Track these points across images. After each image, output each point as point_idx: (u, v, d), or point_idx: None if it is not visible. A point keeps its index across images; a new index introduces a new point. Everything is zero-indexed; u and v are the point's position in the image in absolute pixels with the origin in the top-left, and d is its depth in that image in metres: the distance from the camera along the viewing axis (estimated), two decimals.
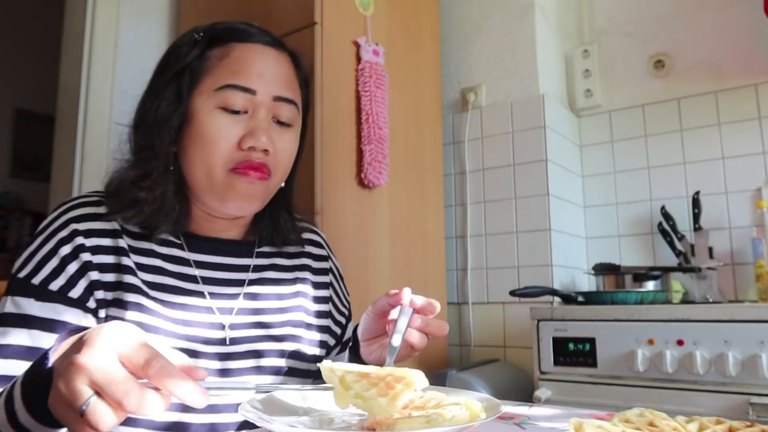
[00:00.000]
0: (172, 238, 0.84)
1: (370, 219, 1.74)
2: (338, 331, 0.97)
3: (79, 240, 0.77)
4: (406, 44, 1.96)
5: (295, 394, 0.67)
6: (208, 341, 0.80)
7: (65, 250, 0.76)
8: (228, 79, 0.80)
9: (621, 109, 2.15)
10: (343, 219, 1.64)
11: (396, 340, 0.71)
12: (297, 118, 0.87)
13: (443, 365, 2.01)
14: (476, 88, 2.16)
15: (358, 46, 1.74)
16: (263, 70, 0.82)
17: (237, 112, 0.80)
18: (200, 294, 0.82)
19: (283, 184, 0.90)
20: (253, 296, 0.87)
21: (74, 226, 0.78)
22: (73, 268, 0.76)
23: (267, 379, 0.82)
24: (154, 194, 0.79)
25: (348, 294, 1.05)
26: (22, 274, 0.75)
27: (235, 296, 0.85)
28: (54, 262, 0.76)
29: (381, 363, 0.79)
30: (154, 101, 0.82)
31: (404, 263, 1.85)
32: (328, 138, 1.62)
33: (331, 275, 0.99)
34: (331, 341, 0.95)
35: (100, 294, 0.76)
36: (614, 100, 2.17)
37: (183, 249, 0.84)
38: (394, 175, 1.82)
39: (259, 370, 0.82)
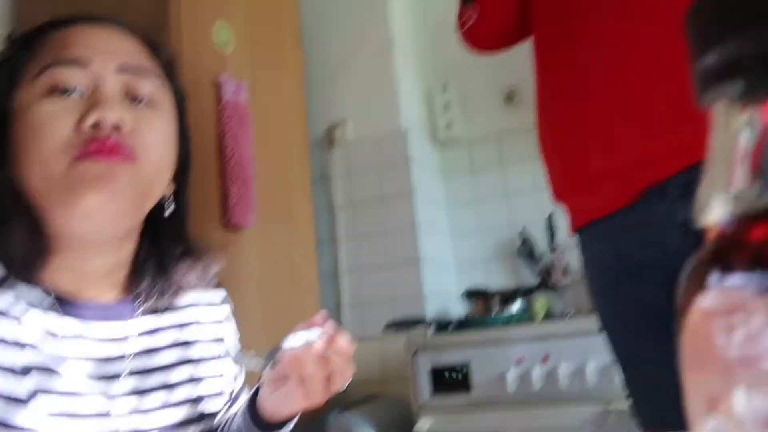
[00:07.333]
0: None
1: (238, 262, 1.68)
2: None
3: None
4: (269, 80, 1.94)
5: None
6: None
7: None
8: (51, 58, 0.63)
9: (480, 138, 2.26)
10: None
11: (289, 342, 0.63)
12: (163, 98, 0.69)
13: (323, 406, 1.96)
14: (342, 124, 2.18)
15: (218, 85, 1.69)
16: (96, 42, 0.65)
17: (72, 92, 0.62)
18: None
19: (173, 207, 0.73)
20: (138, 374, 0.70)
21: None
22: None
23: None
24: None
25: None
26: None
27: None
28: None
29: (276, 410, 0.70)
30: None
31: (276, 305, 1.79)
32: (191, 179, 1.55)
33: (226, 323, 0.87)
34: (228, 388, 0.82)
35: None
36: (474, 131, 2.28)
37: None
38: (262, 215, 1.77)
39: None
